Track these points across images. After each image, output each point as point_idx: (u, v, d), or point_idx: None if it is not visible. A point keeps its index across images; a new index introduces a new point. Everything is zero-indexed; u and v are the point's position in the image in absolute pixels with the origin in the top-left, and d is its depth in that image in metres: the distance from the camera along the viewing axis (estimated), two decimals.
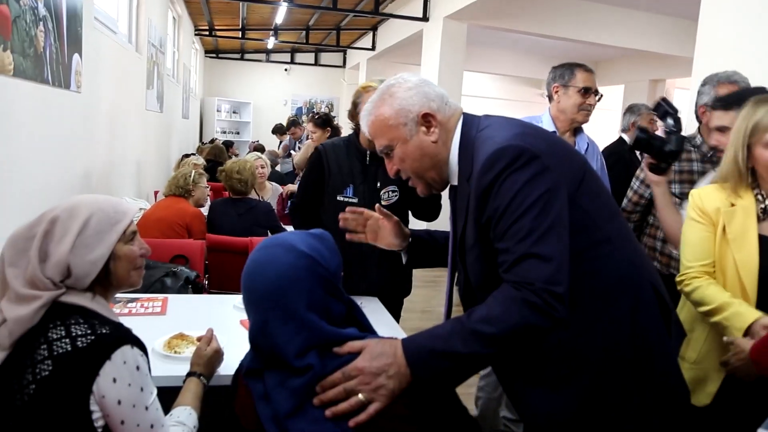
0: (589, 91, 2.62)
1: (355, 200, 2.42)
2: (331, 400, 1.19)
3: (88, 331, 1.23)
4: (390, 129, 1.41)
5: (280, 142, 9.09)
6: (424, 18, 7.09)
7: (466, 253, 1.43)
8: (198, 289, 2.77)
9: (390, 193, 2.46)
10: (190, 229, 3.48)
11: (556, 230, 1.23)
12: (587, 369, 1.30)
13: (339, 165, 2.46)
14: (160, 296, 2.37)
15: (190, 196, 3.67)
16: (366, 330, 1.34)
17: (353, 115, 2.45)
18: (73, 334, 1.22)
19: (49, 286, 1.25)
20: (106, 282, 1.35)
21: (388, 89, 1.44)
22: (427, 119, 1.40)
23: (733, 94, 2.08)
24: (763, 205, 1.71)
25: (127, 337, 1.27)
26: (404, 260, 1.81)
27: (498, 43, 8.36)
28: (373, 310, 2.31)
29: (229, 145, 9.60)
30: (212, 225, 3.73)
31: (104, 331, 1.24)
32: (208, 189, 3.95)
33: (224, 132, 13.25)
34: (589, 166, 1.43)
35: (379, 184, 2.44)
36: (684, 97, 11.08)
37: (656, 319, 1.38)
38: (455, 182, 1.45)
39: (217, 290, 3.38)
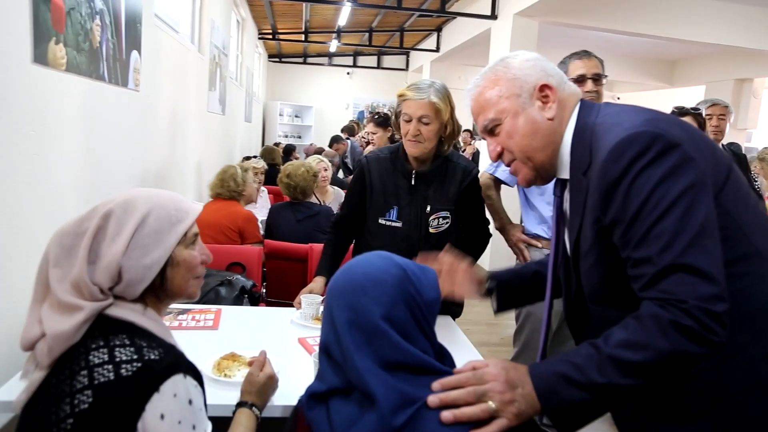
0: (584, 78, 2.44)
1: (398, 224, 2.15)
2: (454, 402, 1.02)
3: (134, 357, 1.05)
4: (499, 101, 1.25)
5: None
6: (493, 16, 6.79)
7: (581, 258, 1.23)
8: (254, 300, 2.59)
9: (440, 219, 2.15)
10: (243, 233, 3.32)
11: (707, 234, 1.03)
12: (726, 403, 1.11)
13: (382, 182, 2.18)
14: (214, 308, 2.20)
15: (241, 196, 3.48)
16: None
17: (397, 125, 2.20)
18: (117, 359, 1.05)
19: (96, 294, 1.08)
20: (160, 291, 1.17)
21: (501, 61, 1.30)
22: (544, 93, 1.23)
23: None
24: None
25: (179, 365, 1.08)
26: (495, 308, 1.58)
27: (569, 42, 7.94)
28: (442, 326, 2.06)
29: (291, 149, 9.57)
30: (271, 230, 3.56)
31: (153, 356, 1.06)
32: (258, 183, 3.75)
33: (286, 136, 13.33)
34: (734, 164, 1.18)
35: (429, 209, 2.14)
36: None
37: None
38: (565, 175, 1.25)
39: (275, 299, 3.20)
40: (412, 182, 2.15)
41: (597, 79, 2.43)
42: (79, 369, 1.04)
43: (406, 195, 2.16)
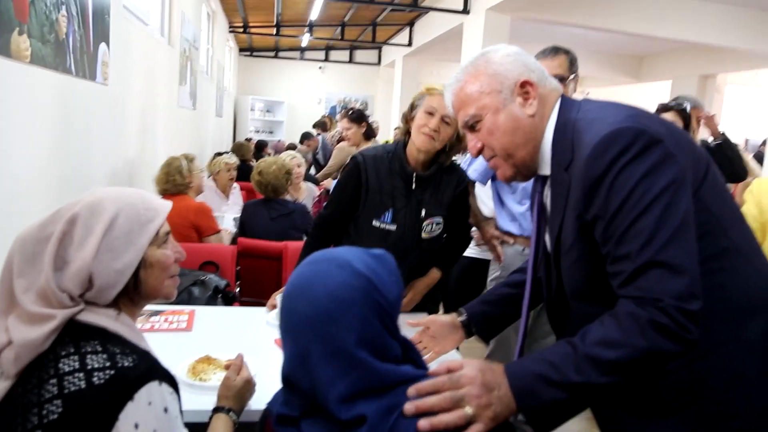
0: None
1: (393, 227, 2.08)
2: (431, 408, 0.99)
3: (107, 364, 1.00)
4: (481, 96, 1.23)
5: None
6: (465, 11, 6.80)
7: (562, 256, 1.22)
8: (228, 300, 2.54)
9: (434, 225, 2.11)
10: (199, 227, 3.16)
11: (684, 232, 1.04)
12: (706, 398, 1.12)
13: (379, 182, 2.09)
14: (187, 309, 2.14)
15: (189, 188, 3.30)
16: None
17: (408, 118, 2.10)
18: (89, 366, 1.00)
19: (65, 301, 1.03)
20: (134, 294, 1.12)
21: (482, 55, 1.27)
22: (525, 89, 1.22)
23: None
24: None
25: (154, 372, 1.03)
26: (484, 340, 1.64)
27: (541, 37, 7.97)
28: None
29: (263, 145, 9.46)
30: (244, 227, 3.50)
31: (126, 363, 1.01)
32: (203, 172, 3.62)
33: (258, 131, 13.16)
34: (712, 159, 1.19)
35: (423, 213, 2.08)
36: (743, 94, 10.56)
37: None
38: (545, 171, 1.24)
39: (250, 298, 3.15)
40: (413, 185, 2.08)
41: (559, 80, 2.35)
42: (48, 377, 0.99)
43: (402, 197, 2.08)
